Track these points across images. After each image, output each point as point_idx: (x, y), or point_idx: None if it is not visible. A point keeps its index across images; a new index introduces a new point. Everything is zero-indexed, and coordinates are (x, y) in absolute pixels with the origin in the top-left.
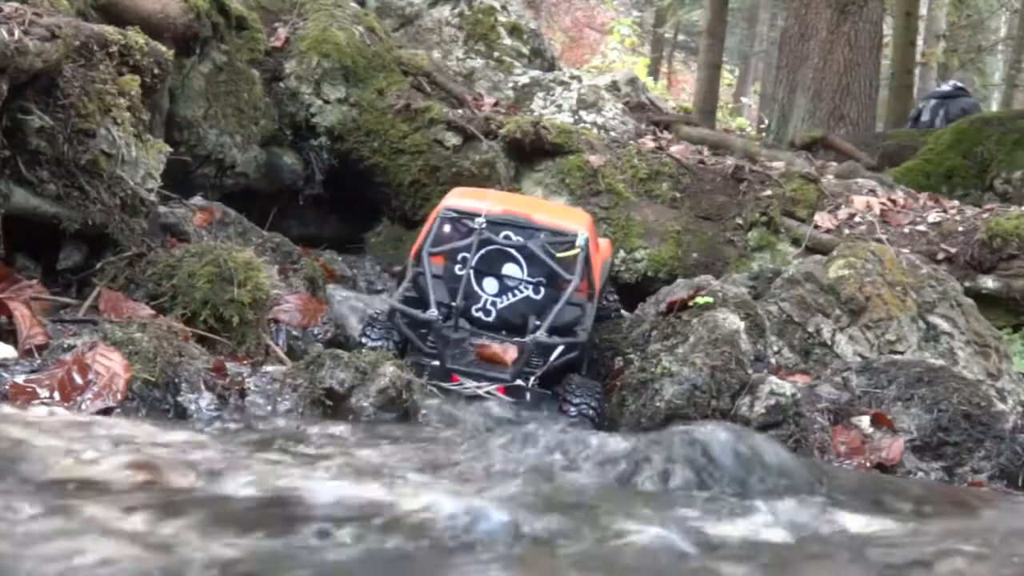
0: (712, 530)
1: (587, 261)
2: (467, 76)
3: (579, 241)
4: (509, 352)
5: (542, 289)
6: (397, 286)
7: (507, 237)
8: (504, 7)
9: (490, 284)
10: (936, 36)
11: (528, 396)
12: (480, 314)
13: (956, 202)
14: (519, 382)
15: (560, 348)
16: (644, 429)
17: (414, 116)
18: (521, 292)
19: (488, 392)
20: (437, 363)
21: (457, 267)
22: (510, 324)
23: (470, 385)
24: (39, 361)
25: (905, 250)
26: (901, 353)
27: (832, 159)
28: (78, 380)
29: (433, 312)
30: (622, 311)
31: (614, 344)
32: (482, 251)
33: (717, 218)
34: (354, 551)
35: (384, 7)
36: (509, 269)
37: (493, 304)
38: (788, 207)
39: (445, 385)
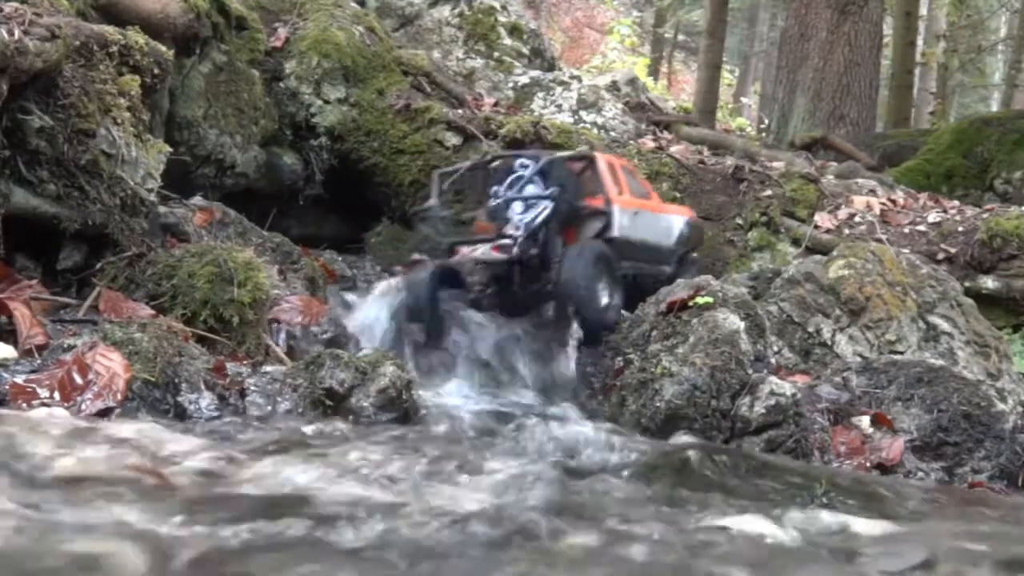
0: (710, 529)
1: (594, 175)
2: (467, 76)
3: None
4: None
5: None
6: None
7: (523, 164)
8: (504, 7)
9: (517, 205)
10: (936, 36)
11: (516, 249)
12: (511, 230)
13: (956, 202)
14: (506, 240)
15: (543, 209)
16: (644, 429)
17: (414, 116)
18: (540, 204)
19: (483, 253)
20: (441, 240)
21: (491, 200)
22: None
23: (467, 251)
24: (39, 361)
25: (905, 250)
26: (901, 353)
27: (832, 159)
28: (78, 380)
29: (432, 201)
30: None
31: (614, 344)
32: (507, 180)
33: (717, 218)
34: (353, 551)
35: (384, 7)
36: (529, 190)
37: (521, 220)
38: (788, 207)
39: (451, 260)
